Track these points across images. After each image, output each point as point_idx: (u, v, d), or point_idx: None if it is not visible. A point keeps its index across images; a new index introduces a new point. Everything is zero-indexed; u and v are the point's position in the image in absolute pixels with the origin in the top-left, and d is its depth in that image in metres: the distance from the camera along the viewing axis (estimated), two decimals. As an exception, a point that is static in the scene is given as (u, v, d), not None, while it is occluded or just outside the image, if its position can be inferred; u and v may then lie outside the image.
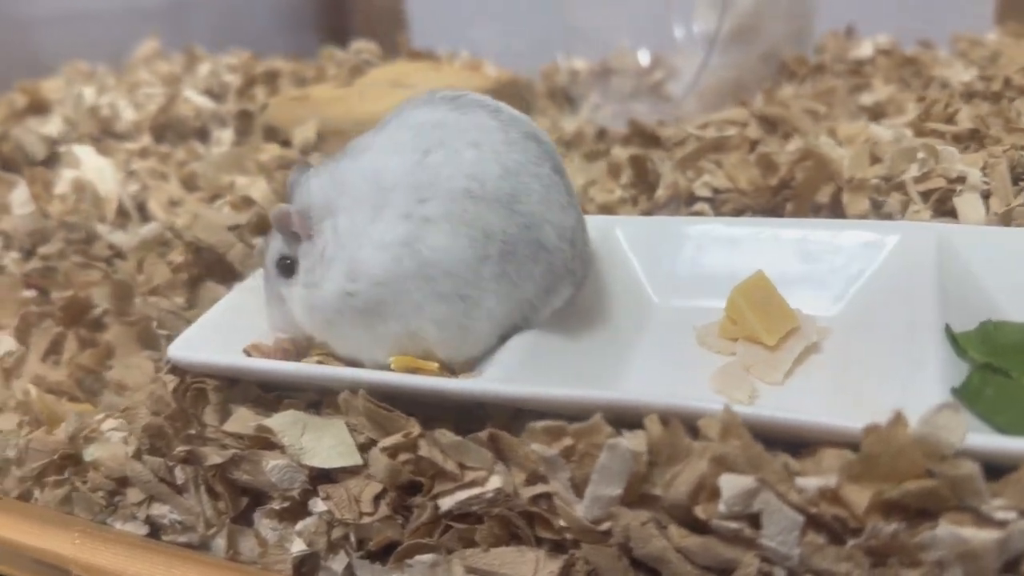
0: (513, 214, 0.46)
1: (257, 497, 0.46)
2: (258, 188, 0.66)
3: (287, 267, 0.50)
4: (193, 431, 0.47)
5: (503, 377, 0.43)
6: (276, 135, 0.84)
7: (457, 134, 0.48)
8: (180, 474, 0.46)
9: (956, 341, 0.42)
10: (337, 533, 0.43)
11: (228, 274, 0.60)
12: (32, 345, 0.62)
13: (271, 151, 0.74)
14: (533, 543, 0.41)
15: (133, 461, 0.47)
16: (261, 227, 0.60)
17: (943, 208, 0.56)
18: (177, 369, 0.50)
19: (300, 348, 0.51)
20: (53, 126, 0.87)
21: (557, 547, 0.41)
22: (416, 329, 0.47)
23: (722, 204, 0.69)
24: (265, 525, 0.45)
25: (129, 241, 0.67)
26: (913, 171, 0.59)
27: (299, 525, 0.44)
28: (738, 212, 0.68)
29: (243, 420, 0.46)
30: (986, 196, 0.55)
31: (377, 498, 0.42)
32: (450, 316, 0.46)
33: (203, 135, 0.84)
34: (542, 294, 0.47)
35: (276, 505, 0.44)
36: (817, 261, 0.50)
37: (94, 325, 0.62)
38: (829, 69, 1.02)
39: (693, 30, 1.22)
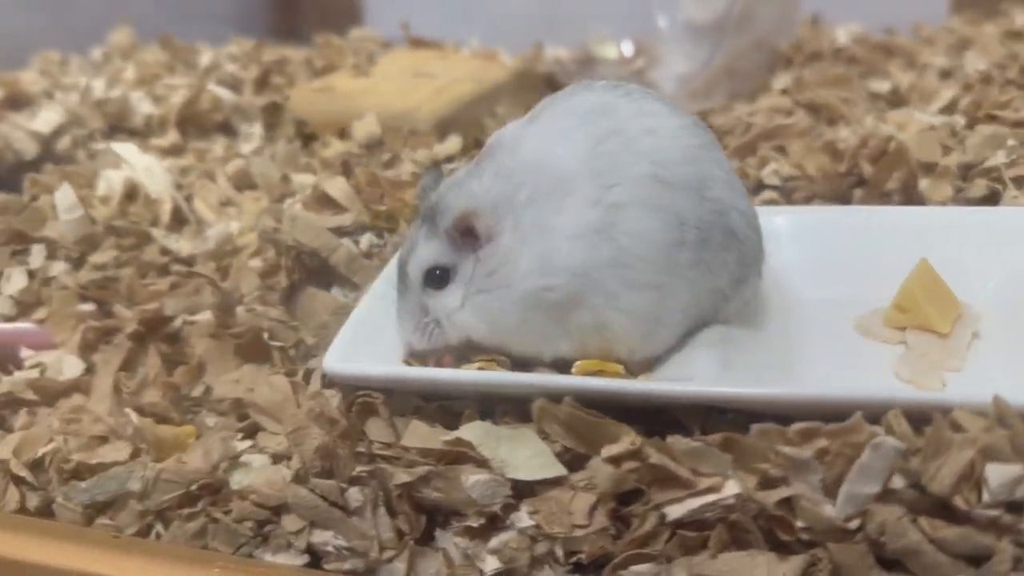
0: (703, 200, 0.45)
1: (437, 516, 0.44)
2: (337, 186, 0.62)
3: (438, 277, 0.47)
4: (362, 449, 0.44)
5: (714, 379, 0.42)
6: (304, 127, 0.80)
7: (629, 119, 0.46)
8: (356, 496, 0.43)
9: None
10: (541, 548, 0.41)
11: (331, 279, 0.56)
12: (101, 364, 0.57)
13: (335, 147, 0.70)
14: (762, 547, 0.40)
15: (295, 486, 0.44)
16: (375, 227, 0.57)
17: (1039, 193, 0.59)
18: (331, 383, 0.46)
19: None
20: (44, 121, 0.80)
21: (787, 549, 0.40)
22: (606, 320, 0.45)
23: (792, 192, 0.70)
24: (455, 544, 0.43)
25: (191, 247, 0.62)
26: (1000, 158, 0.61)
27: (493, 542, 0.42)
28: (808, 199, 0.69)
29: (423, 434, 0.43)
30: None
31: (592, 509, 0.41)
32: (643, 306, 0.45)
33: (226, 129, 0.79)
34: (735, 284, 0.46)
35: (472, 522, 0.42)
36: (958, 247, 0.51)
37: (172, 339, 0.58)
38: (826, 56, 1.04)
39: (678, 18, 1.23)
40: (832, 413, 0.39)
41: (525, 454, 0.42)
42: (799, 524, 0.38)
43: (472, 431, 0.42)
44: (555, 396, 0.42)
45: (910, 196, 0.65)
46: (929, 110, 0.79)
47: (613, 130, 0.46)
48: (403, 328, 0.48)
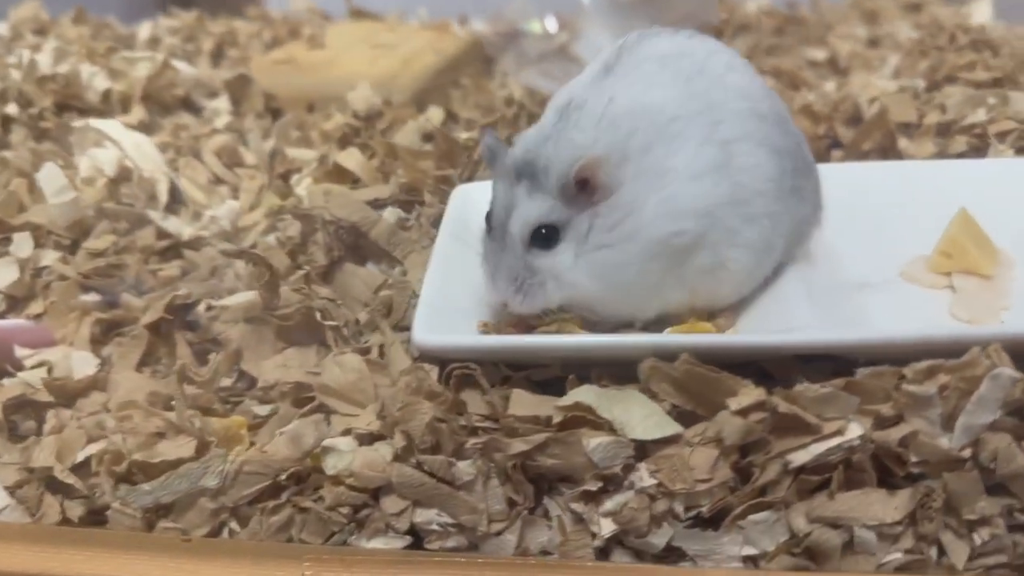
0: (788, 132, 0.47)
1: (542, 485, 0.43)
2: (353, 158, 0.59)
3: (546, 236, 0.45)
4: (465, 422, 0.42)
5: (830, 326, 0.44)
6: (272, 101, 0.76)
7: (706, 59, 0.47)
8: (467, 470, 0.41)
9: None
10: (661, 506, 0.41)
11: (365, 254, 0.54)
12: (118, 358, 0.52)
13: (335, 119, 0.67)
14: (874, 484, 0.42)
15: (399, 465, 0.42)
16: (412, 196, 0.54)
17: (1021, 148, 0.63)
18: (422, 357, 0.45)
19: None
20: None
21: (897, 484, 0.42)
22: (725, 259, 0.46)
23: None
24: (570, 511, 0.42)
25: (192, 229, 0.58)
26: (980, 115, 0.65)
27: (609, 504, 0.42)
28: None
29: (530, 402, 0.43)
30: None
31: (715, 462, 0.41)
32: (759, 237, 0.46)
33: (187, 105, 0.74)
34: (814, 212, 0.48)
35: (590, 486, 0.42)
36: (977, 197, 0.55)
37: (191, 327, 0.54)
38: (753, 28, 1.08)
39: (600, -7, 1.24)
40: (912, 354, 0.41)
41: (639, 414, 0.41)
42: (913, 459, 0.40)
43: (585, 395, 0.42)
44: (664, 355, 0.42)
45: (887, 155, 0.69)
46: (882, 75, 0.83)
47: (696, 70, 0.46)
48: (498, 289, 0.46)
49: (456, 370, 0.43)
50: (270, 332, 0.51)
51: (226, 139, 0.66)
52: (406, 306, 0.49)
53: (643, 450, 0.42)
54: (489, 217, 0.48)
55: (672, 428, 0.41)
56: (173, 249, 0.58)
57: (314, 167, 0.62)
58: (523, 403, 0.42)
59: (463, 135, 0.78)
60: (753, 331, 0.46)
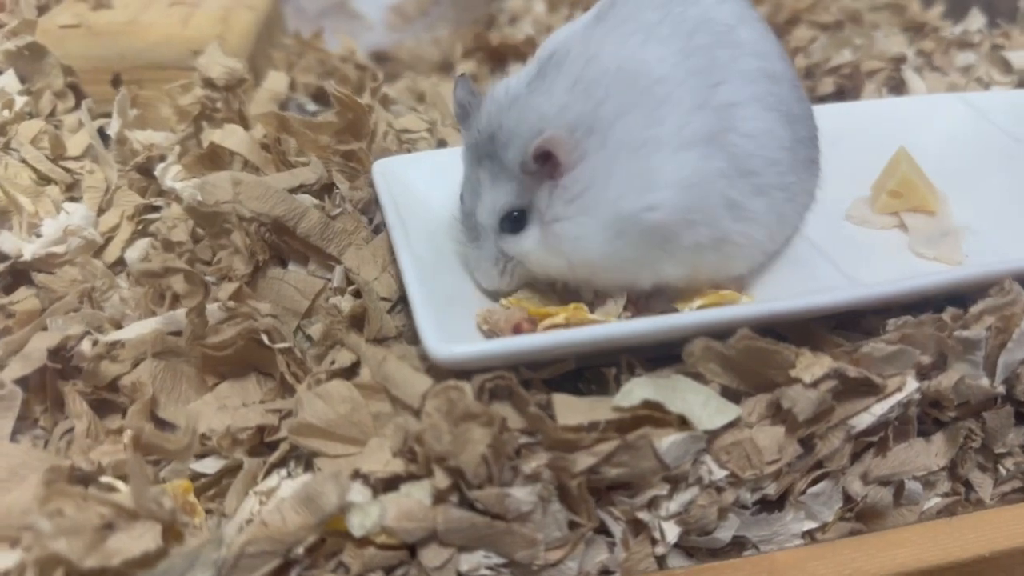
0: (802, 98, 0.44)
1: (599, 498, 0.38)
2: (237, 138, 0.48)
3: (515, 220, 0.41)
4: (517, 441, 0.36)
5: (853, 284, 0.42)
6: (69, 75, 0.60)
7: (714, 7, 0.42)
8: (525, 498, 0.35)
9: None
10: (728, 497, 0.38)
11: (292, 254, 0.44)
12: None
13: (193, 92, 0.53)
14: (915, 434, 0.41)
15: (445, 508, 0.34)
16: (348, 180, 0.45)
17: (892, 85, 0.66)
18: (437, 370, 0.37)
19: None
20: None
21: (933, 431, 0.41)
22: (727, 234, 0.41)
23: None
24: (634, 520, 0.37)
25: (35, 247, 0.45)
26: (847, 56, 0.67)
27: (673, 506, 0.37)
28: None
29: (576, 408, 0.37)
30: (919, 70, 0.66)
31: (784, 441, 0.38)
32: (770, 211, 0.42)
33: (-46, 86, 0.56)
34: (817, 184, 0.45)
35: (659, 491, 0.37)
36: (884, 137, 0.56)
37: (72, 373, 0.41)
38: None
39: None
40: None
41: (697, 401, 0.37)
42: (955, 402, 0.40)
43: (643, 389, 0.37)
44: (716, 333, 0.38)
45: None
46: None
47: (702, 20, 0.41)
48: (482, 277, 0.43)
49: (488, 382, 0.36)
50: (189, 367, 0.40)
51: (39, 125, 0.52)
52: (380, 314, 0.41)
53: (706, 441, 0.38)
54: (462, 200, 0.43)
55: (733, 411, 0.38)
56: (15, 274, 0.44)
57: (178, 152, 0.50)
58: (571, 410, 0.37)
59: (310, 106, 0.68)
60: (771, 297, 0.43)
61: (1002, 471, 0.42)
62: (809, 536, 0.40)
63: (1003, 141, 0.54)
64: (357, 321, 0.41)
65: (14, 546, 0.35)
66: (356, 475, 0.36)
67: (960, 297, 0.41)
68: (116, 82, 0.63)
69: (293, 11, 1.05)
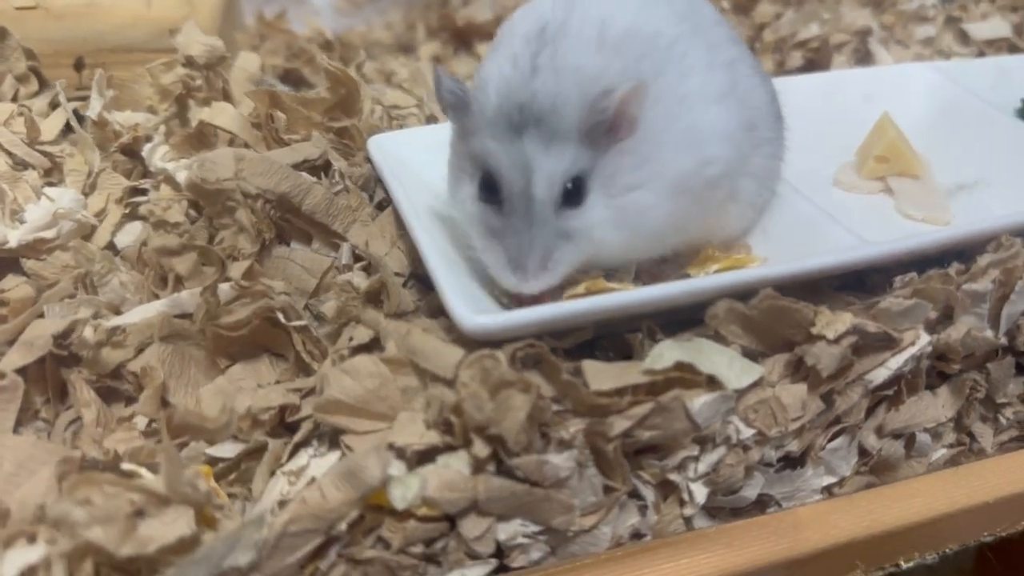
0: (753, 58, 0.46)
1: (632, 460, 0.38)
2: (227, 116, 0.46)
3: (576, 191, 0.38)
4: (555, 408, 0.35)
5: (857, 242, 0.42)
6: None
7: None
8: (564, 464, 0.35)
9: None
10: (754, 456, 0.38)
11: (294, 232, 0.43)
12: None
13: (175, 71, 0.51)
14: (924, 388, 0.42)
15: (486, 477, 0.34)
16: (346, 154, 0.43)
17: (859, 57, 0.68)
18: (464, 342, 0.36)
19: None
20: None
21: (940, 384, 0.43)
22: (738, 189, 0.42)
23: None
24: (665, 482, 0.38)
25: (21, 234, 0.43)
26: (814, 30, 0.69)
27: (702, 466, 0.38)
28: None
29: (611, 373, 0.36)
30: (883, 42, 0.68)
31: (807, 398, 0.38)
32: (764, 165, 0.43)
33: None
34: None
35: (691, 451, 0.37)
36: (860, 106, 0.57)
37: (73, 361, 0.39)
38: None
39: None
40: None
41: (722, 362, 0.38)
42: (962, 354, 0.41)
43: (671, 352, 0.37)
44: (738, 295, 0.38)
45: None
46: None
47: None
48: (529, 273, 0.38)
49: (520, 351, 0.36)
50: (197, 350, 0.39)
51: (11, 109, 0.49)
52: (397, 289, 0.40)
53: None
54: (492, 186, 0.39)
55: (757, 371, 0.38)
56: (3, 262, 0.42)
57: (164, 132, 0.48)
58: (603, 375, 0.36)
59: (279, 86, 0.66)
60: (782, 259, 0.44)
61: (1002, 421, 0.44)
62: (827, 491, 0.41)
63: (977, 106, 0.56)
64: (372, 297, 0.40)
65: (32, 541, 0.33)
66: (390, 449, 0.35)
67: (948, 256, 0.43)
68: (79, 65, 0.61)
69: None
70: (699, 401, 0.36)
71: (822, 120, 0.56)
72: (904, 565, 0.44)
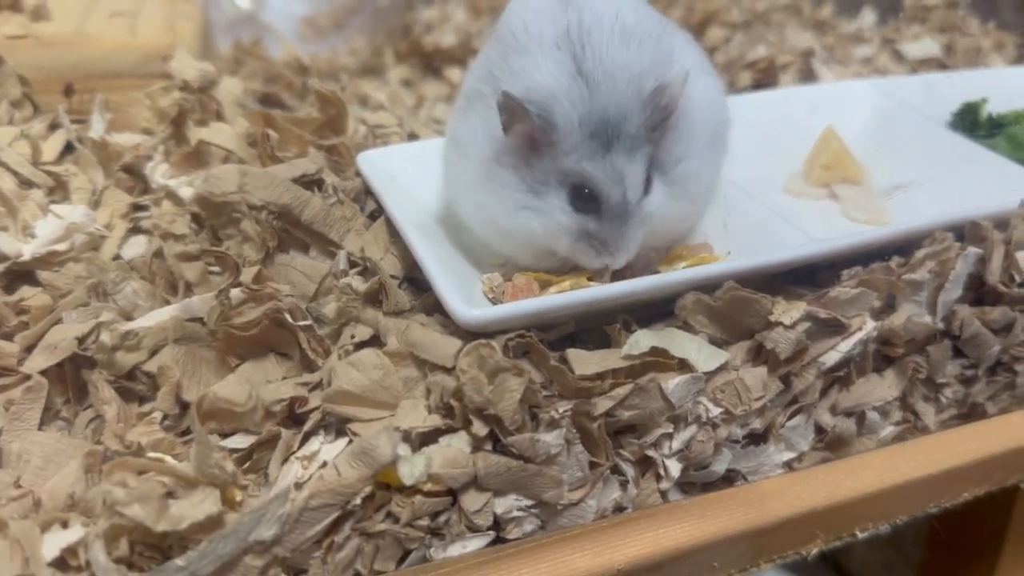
0: None
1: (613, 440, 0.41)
2: (225, 135, 0.49)
3: (648, 182, 0.44)
4: (542, 393, 0.39)
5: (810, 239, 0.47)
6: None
7: None
8: (554, 441, 0.38)
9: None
10: (723, 433, 0.42)
11: (293, 241, 0.46)
12: (8, 423, 0.39)
13: (171, 95, 0.54)
14: (870, 371, 0.46)
15: (484, 454, 0.38)
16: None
17: (803, 76, 0.73)
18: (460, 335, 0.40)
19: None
20: None
21: (885, 367, 0.47)
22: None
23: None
24: (643, 458, 0.41)
25: (34, 247, 0.45)
26: (761, 52, 0.74)
27: (675, 444, 0.42)
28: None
29: (593, 360, 0.40)
30: (825, 62, 0.74)
31: (767, 379, 0.43)
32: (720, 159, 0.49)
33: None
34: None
35: (664, 429, 0.41)
36: (806, 120, 0.62)
37: (90, 364, 0.42)
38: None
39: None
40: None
41: (692, 348, 0.42)
42: (904, 339, 0.46)
43: (646, 340, 0.41)
44: (703, 288, 0.43)
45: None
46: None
47: None
48: (628, 256, 0.44)
49: (511, 340, 0.40)
50: (208, 351, 0.42)
51: (15, 132, 0.52)
52: (394, 290, 0.43)
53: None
54: (586, 196, 0.43)
55: (723, 356, 0.42)
56: (14, 274, 0.45)
57: (163, 151, 0.51)
58: (586, 361, 0.40)
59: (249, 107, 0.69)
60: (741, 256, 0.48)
61: (943, 400, 0.49)
62: (788, 466, 0.46)
63: (912, 118, 0.61)
64: (371, 298, 0.44)
65: (64, 526, 0.36)
66: (396, 432, 0.38)
67: (888, 251, 0.48)
68: (69, 91, 0.63)
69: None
70: (673, 382, 0.40)
71: (772, 133, 0.61)
72: (860, 535, 0.48)
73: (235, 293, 0.42)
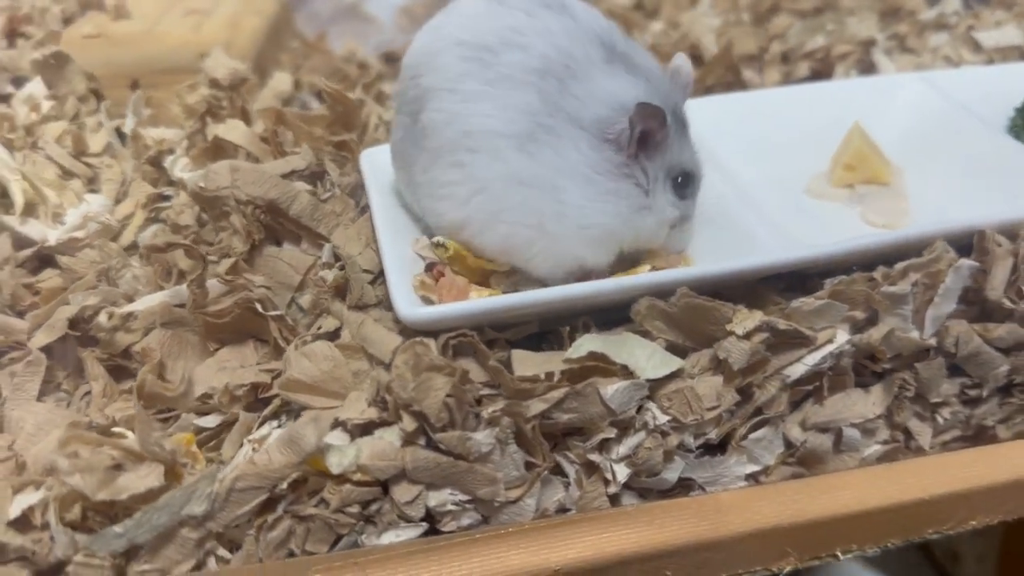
0: None
1: (553, 442, 0.42)
2: (238, 132, 0.53)
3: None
4: (481, 392, 0.40)
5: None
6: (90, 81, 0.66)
7: None
8: (485, 440, 0.39)
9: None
10: (673, 441, 0.42)
11: (286, 234, 0.49)
12: (12, 391, 0.44)
13: (200, 92, 0.59)
14: (853, 385, 0.44)
15: (413, 448, 0.39)
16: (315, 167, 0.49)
17: (862, 68, 0.69)
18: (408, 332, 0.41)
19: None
20: None
21: (871, 382, 0.45)
22: None
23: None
24: (587, 462, 0.41)
25: (59, 233, 0.50)
26: (820, 41, 0.71)
27: (623, 449, 0.41)
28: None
29: (535, 361, 0.41)
30: (890, 52, 0.69)
31: (721, 389, 0.42)
32: None
33: (-11, 92, 0.62)
34: None
35: (607, 434, 0.41)
36: (848, 116, 0.59)
37: (91, 342, 0.46)
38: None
39: (391, -52, 1.21)
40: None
41: (642, 355, 0.41)
42: (888, 354, 0.43)
43: (591, 343, 0.41)
44: (656, 293, 0.42)
45: (731, 88, 0.73)
46: (700, 12, 0.87)
47: None
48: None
49: (452, 339, 0.40)
50: (193, 335, 0.45)
51: (63, 126, 0.57)
52: (361, 284, 0.45)
53: (650, 389, 0.42)
54: (688, 183, 0.47)
55: (675, 363, 0.41)
56: (39, 257, 0.49)
57: (186, 146, 0.55)
58: (527, 363, 0.41)
59: (314, 103, 0.73)
60: (711, 261, 0.47)
61: (939, 420, 0.46)
62: (753, 479, 0.44)
63: (959, 116, 0.57)
64: (341, 291, 0.46)
65: (38, 488, 0.40)
66: (336, 423, 0.40)
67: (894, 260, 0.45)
68: (134, 86, 0.69)
69: (306, 15, 1.11)
70: (612, 388, 0.40)
71: (806, 129, 0.58)
72: (842, 556, 0.46)
73: (214, 284, 0.45)
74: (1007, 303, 0.44)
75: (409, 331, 0.42)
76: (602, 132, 0.44)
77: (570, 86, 0.44)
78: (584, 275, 0.45)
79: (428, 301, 0.44)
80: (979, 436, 0.47)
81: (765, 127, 0.58)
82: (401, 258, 0.44)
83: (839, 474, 0.45)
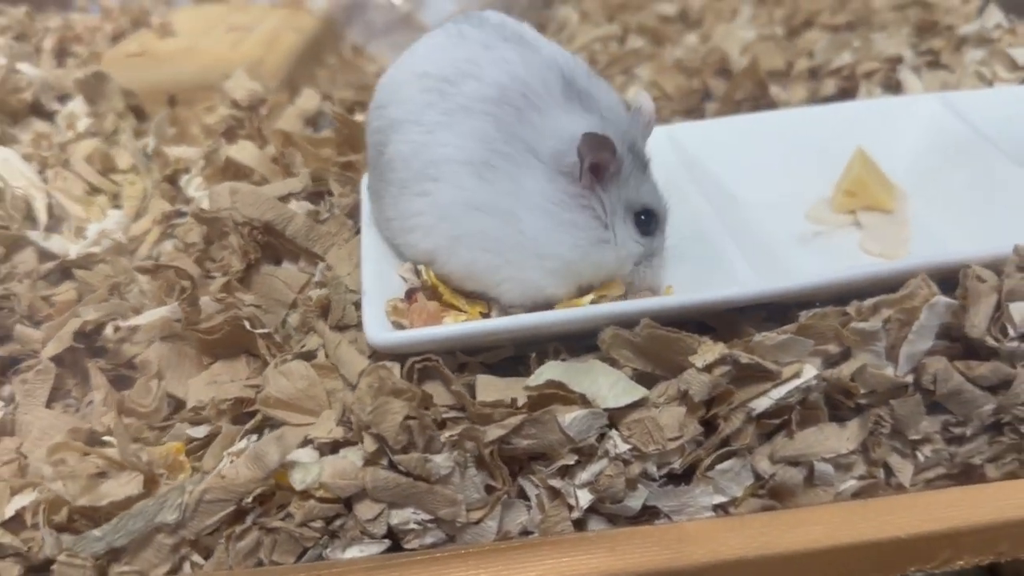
0: None
1: (513, 467, 0.43)
2: (248, 152, 0.55)
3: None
4: (433, 416, 0.41)
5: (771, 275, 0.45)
6: (130, 98, 0.70)
7: None
8: (444, 463, 0.40)
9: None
10: (635, 469, 0.42)
11: (285, 253, 0.51)
12: (23, 396, 0.47)
13: (217, 112, 0.62)
14: (827, 420, 0.44)
15: (372, 469, 0.40)
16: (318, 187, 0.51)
17: (888, 85, 0.67)
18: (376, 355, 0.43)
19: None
20: None
21: (846, 417, 0.44)
22: None
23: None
24: (548, 488, 0.42)
25: (79, 247, 0.53)
26: (846, 58, 0.69)
27: (585, 476, 0.42)
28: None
29: (498, 387, 0.42)
30: (918, 69, 0.68)
31: (683, 420, 0.42)
32: None
33: (37, 111, 0.66)
34: None
35: (567, 461, 0.42)
36: (861, 138, 0.58)
37: (98, 353, 0.49)
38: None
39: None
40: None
41: (606, 383, 0.42)
42: (862, 390, 0.43)
43: (552, 371, 0.42)
44: (622, 322, 0.42)
45: (759, 104, 0.72)
46: (738, 25, 0.86)
47: None
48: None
49: (417, 363, 0.42)
50: (191, 348, 0.48)
51: (94, 144, 0.61)
52: (344, 304, 0.47)
53: (613, 417, 0.42)
54: (650, 220, 0.47)
55: (638, 392, 0.42)
56: (60, 271, 0.53)
57: (202, 165, 0.58)
58: (490, 388, 0.42)
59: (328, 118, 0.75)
60: (691, 290, 0.47)
61: (921, 457, 0.45)
62: (722, 509, 0.44)
63: (972, 139, 0.55)
64: (325, 311, 0.48)
65: (35, 490, 0.43)
66: (306, 440, 0.42)
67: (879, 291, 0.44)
68: (172, 102, 0.72)
69: (361, 26, 1.14)
70: (570, 416, 0.41)
71: (813, 153, 0.57)
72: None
73: (207, 301, 0.47)
74: (990, 341, 0.42)
75: (380, 355, 0.43)
76: (557, 165, 0.44)
77: (528, 115, 0.44)
78: (550, 306, 0.45)
79: (399, 326, 0.45)
80: (967, 474, 0.46)
81: (776, 149, 0.58)
82: (381, 282, 0.46)
83: (811, 508, 0.44)
